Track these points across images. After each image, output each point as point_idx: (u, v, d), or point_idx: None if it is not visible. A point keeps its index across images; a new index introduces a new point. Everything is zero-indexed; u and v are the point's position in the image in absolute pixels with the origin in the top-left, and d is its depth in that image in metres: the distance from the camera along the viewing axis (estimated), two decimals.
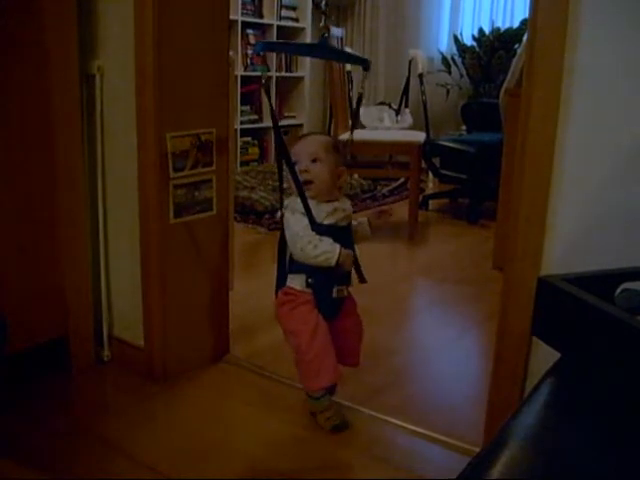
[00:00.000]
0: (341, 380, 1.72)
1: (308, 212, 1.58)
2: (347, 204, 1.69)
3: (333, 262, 1.56)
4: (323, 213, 1.60)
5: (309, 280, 1.62)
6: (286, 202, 1.65)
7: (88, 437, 1.65)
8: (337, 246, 1.57)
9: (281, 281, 1.70)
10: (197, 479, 1.51)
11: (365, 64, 1.75)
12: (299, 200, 1.59)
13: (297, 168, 1.61)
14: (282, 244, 1.68)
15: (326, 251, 1.56)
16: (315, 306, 1.63)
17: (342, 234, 1.63)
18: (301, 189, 1.59)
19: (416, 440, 1.69)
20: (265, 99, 5.33)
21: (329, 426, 1.68)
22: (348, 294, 1.71)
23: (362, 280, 1.70)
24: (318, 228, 1.58)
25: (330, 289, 1.64)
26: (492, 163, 3.24)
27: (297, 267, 1.63)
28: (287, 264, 1.67)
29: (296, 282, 1.65)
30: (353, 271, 1.69)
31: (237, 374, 2.02)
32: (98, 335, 2.02)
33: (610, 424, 0.68)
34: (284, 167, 1.66)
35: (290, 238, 1.61)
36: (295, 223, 1.60)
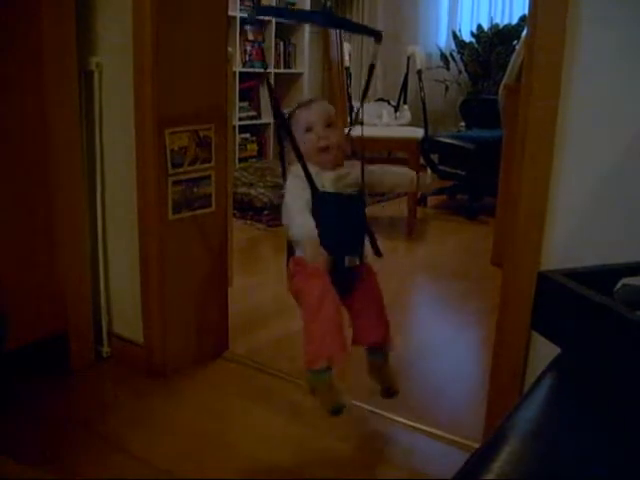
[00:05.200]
0: (343, 372, 1.62)
1: (309, 179, 1.49)
2: (353, 168, 1.58)
3: (296, 238, 1.48)
4: (327, 182, 1.51)
5: None
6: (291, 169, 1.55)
7: (87, 433, 1.65)
8: (308, 230, 1.45)
9: (291, 249, 1.59)
10: (197, 479, 1.51)
11: (377, 35, 1.63)
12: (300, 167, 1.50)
13: (311, 134, 1.53)
14: None
15: (298, 225, 1.46)
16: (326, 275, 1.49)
17: (350, 204, 1.54)
18: (301, 156, 1.50)
19: (416, 436, 1.69)
20: (263, 95, 5.33)
21: (327, 409, 1.47)
22: (362, 264, 1.58)
23: (378, 253, 1.60)
24: (322, 196, 1.49)
25: (340, 259, 1.51)
26: (491, 159, 3.24)
27: None
28: None
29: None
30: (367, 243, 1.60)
31: (236, 370, 2.02)
32: (98, 332, 2.02)
33: (610, 419, 0.68)
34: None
35: (284, 203, 1.52)
36: (292, 188, 1.52)
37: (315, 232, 1.44)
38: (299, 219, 1.46)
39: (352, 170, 1.58)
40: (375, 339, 1.62)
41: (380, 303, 1.65)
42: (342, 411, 1.48)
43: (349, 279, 1.57)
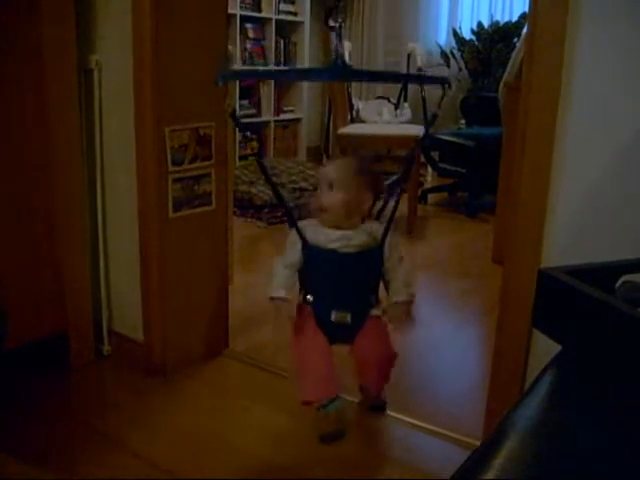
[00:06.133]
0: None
1: (298, 232, 1.59)
2: (361, 236, 1.60)
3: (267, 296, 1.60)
4: (322, 238, 1.58)
5: (307, 297, 1.62)
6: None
7: (87, 432, 1.65)
8: (276, 291, 1.57)
9: None
10: (196, 478, 1.51)
11: (444, 82, 1.64)
12: (305, 223, 1.62)
13: (317, 193, 1.63)
14: None
15: (270, 284, 1.59)
16: (316, 322, 1.61)
17: (344, 262, 1.58)
18: (289, 211, 1.67)
19: (416, 434, 1.69)
20: (264, 93, 5.32)
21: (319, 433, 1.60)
22: (358, 321, 1.62)
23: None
24: (309, 250, 1.59)
25: (327, 312, 1.60)
26: (491, 157, 3.23)
27: (300, 281, 1.64)
28: None
29: (301, 296, 1.66)
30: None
31: (237, 368, 2.02)
32: (98, 330, 2.02)
33: (611, 416, 0.67)
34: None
35: None
36: (286, 244, 1.63)
37: (277, 294, 1.57)
38: (273, 280, 1.60)
39: (357, 237, 1.59)
40: (367, 385, 1.75)
41: (380, 360, 1.68)
42: (333, 438, 1.60)
43: (343, 332, 1.62)
